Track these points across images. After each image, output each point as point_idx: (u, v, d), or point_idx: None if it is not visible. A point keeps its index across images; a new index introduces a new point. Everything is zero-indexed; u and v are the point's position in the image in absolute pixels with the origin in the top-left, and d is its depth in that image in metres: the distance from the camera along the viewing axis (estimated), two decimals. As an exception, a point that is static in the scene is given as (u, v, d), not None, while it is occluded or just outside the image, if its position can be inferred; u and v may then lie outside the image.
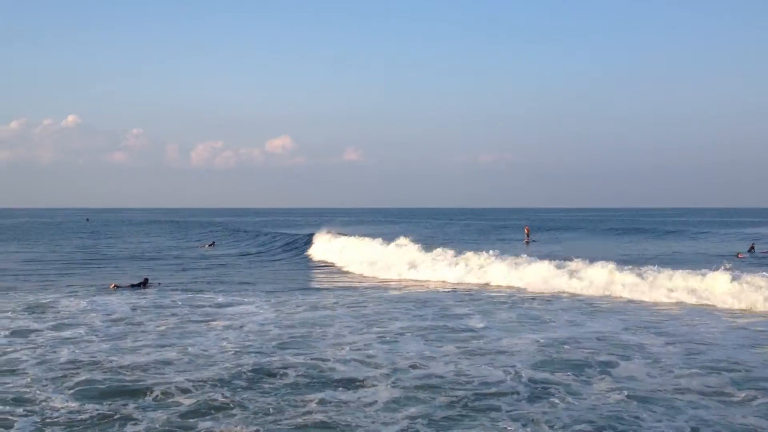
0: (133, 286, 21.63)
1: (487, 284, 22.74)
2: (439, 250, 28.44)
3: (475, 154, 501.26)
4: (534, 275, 22.06)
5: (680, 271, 19.66)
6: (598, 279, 20.49)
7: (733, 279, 17.90)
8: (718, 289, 17.83)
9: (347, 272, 28.72)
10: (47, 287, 21.84)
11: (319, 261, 34.99)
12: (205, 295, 19.55)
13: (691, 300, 17.80)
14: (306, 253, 38.97)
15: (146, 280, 22.26)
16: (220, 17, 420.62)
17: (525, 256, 24.82)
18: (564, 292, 20.17)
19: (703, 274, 18.82)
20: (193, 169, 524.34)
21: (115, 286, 21.53)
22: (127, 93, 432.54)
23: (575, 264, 22.08)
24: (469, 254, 26.43)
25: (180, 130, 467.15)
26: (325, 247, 38.54)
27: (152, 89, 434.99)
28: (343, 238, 39.40)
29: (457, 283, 23.20)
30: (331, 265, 32.16)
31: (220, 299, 18.68)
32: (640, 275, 19.93)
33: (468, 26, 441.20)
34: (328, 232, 44.06)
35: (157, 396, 8.90)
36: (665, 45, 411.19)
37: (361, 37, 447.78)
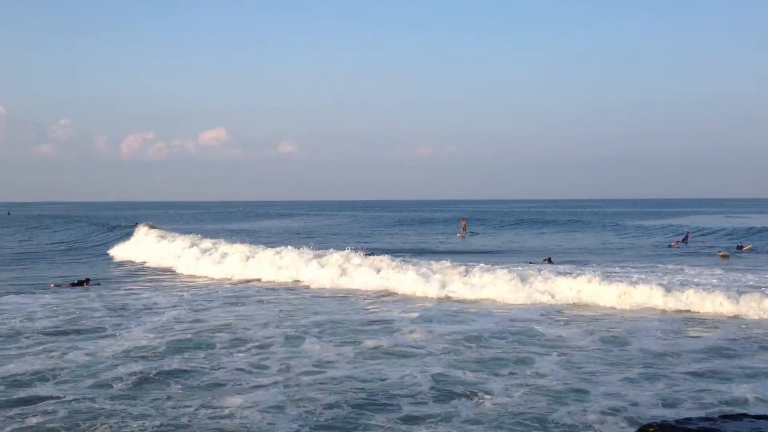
0: (74, 285, 20.89)
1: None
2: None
3: (413, 146, 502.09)
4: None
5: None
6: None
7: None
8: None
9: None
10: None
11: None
12: (134, 293, 19.18)
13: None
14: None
15: (88, 279, 21.66)
16: (152, 3, 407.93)
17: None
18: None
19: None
20: (123, 162, 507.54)
21: (54, 285, 20.84)
22: (54, 83, 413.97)
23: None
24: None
25: (109, 121, 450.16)
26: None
27: (81, 79, 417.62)
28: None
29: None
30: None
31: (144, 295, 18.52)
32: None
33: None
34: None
35: (25, 405, 8.48)
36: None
37: (295, 28, 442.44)
